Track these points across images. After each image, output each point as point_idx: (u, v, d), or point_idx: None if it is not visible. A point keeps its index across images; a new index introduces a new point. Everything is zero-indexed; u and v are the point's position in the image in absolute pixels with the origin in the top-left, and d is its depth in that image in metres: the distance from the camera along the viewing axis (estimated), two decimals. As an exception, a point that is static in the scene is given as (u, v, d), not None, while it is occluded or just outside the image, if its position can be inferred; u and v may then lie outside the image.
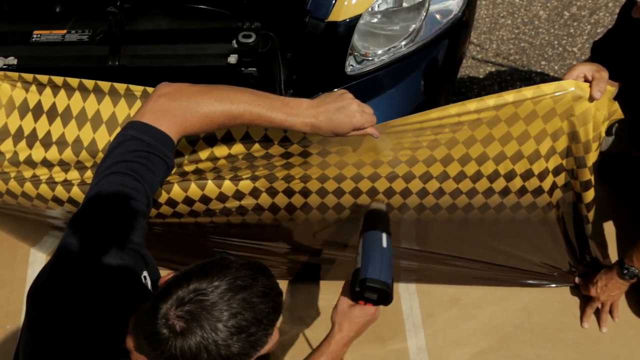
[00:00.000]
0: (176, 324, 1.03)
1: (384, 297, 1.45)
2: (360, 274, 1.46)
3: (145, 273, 1.27)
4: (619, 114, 1.51)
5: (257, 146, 1.53)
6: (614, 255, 2.24)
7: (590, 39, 2.91)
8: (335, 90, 1.42)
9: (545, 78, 2.84)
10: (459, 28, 1.94)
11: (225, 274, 1.08)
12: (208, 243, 2.01)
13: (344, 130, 1.30)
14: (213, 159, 1.56)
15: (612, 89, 1.46)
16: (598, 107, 1.45)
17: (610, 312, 2.17)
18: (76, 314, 1.15)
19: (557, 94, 1.43)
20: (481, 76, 2.89)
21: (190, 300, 1.04)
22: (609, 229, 2.34)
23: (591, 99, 1.43)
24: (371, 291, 1.43)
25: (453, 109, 1.45)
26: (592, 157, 1.54)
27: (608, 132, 2.05)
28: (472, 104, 1.45)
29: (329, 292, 2.33)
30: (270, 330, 1.12)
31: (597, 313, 2.19)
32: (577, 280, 2.20)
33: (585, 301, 2.19)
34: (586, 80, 1.44)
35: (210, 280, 1.06)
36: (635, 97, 1.74)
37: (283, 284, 2.37)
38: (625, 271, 1.97)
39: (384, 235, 1.55)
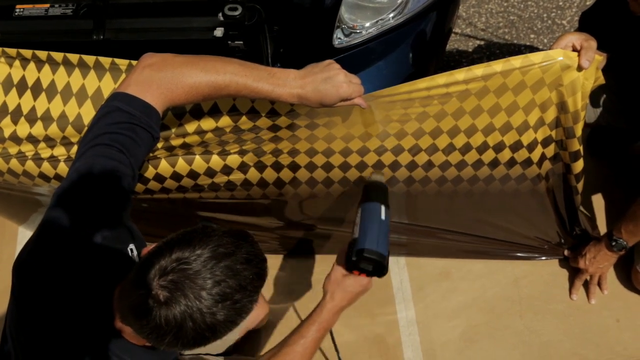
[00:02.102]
0: (160, 293, 1.03)
1: (379, 268, 1.45)
2: (357, 244, 1.45)
3: (131, 246, 1.27)
4: (601, 80, 1.51)
5: (244, 118, 1.52)
6: (602, 228, 2.25)
7: (580, 11, 2.89)
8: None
9: (534, 51, 2.79)
10: (447, 0, 1.93)
11: (208, 242, 1.08)
12: (197, 219, 2.01)
13: (331, 100, 1.30)
14: (200, 132, 1.54)
15: (600, 58, 1.45)
16: (586, 76, 1.45)
17: (599, 284, 2.18)
18: (61, 286, 1.15)
19: (545, 63, 1.43)
20: (470, 50, 2.88)
21: (173, 270, 1.04)
22: (598, 201, 2.34)
23: (579, 68, 1.42)
24: (367, 262, 1.43)
25: (441, 78, 1.44)
26: (580, 127, 1.54)
27: (596, 103, 2.05)
28: (460, 74, 1.44)
29: (322, 266, 2.33)
30: (255, 297, 1.12)
31: (586, 285, 2.20)
32: (566, 252, 2.21)
33: (574, 273, 2.21)
34: (574, 50, 1.43)
35: (192, 249, 1.06)
36: (623, 68, 1.74)
37: (277, 259, 2.38)
38: (614, 243, 1.98)
39: (383, 208, 1.54)
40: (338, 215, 2.00)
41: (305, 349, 1.42)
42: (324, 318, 1.45)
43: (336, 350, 1.81)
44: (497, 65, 1.43)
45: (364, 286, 1.47)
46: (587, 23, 1.87)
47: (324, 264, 2.34)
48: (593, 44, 1.42)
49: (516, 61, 1.43)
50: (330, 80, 1.28)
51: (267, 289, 2.31)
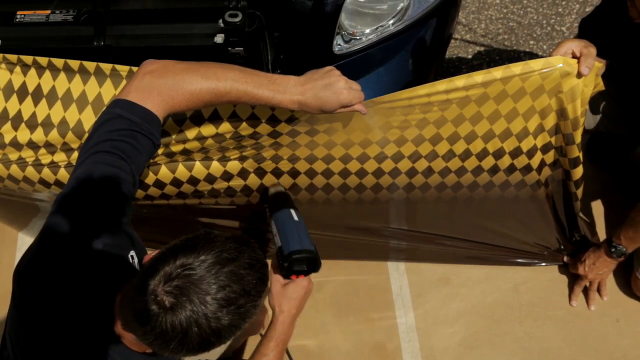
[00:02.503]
0: (165, 299, 1.04)
1: (313, 264, 1.50)
2: (283, 250, 1.50)
3: (132, 252, 1.27)
4: (600, 87, 1.51)
5: (244, 125, 1.52)
6: (602, 234, 2.26)
7: (579, 18, 2.90)
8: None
9: (533, 58, 2.80)
10: (447, 6, 1.93)
11: (211, 247, 1.08)
12: (198, 225, 2.01)
13: (332, 107, 1.30)
14: (200, 138, 1.55)
15: (599, 65, 1.46)
16: (586, 83, 1.45)
17: (598, 290, 2.18)
18: (62, 293, 1.15)
19: (545, 70, 1.43)
20: (469, 56, 2.88)
21: (178, 275, 1.05)
22: (597, 207, 2.35)
23: (579, 75, 1.42)
24: (299, 262, 1.48)
25: (441, 85, 1.45)
26: (580, 134, 1.54)
27: (595, 110, 2.05)
28: (460, 80, 1.44)
29: (322, 270, 2.32)
30: (258, 302, 1.13)
31: (586, 291, 2.20)
32: (565, 258, 2.21)
33: (574, 280, 2.20)
34: (574, 57, 1.44)
35: (196, 255, 1.07)
36: (622, 75, 1.74)
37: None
38: (613, 249, 1.98)
39: (292, 211, 1.61)
40: (337, 222, 2.00)
41: None
42: (279, 332, 1.47)
43: None
44: (497, 72, 1.44)
45: (306, 287, 1.50)
46: (586, 30, 1.87)
47: (323, 267, 2.33)
48: (593, 50, 1.43)
49: (516, 68, 1.44)
50: (330, 86, 1.29)
51: (266, 295, 2.30)
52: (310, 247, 1.51)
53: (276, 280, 1.51)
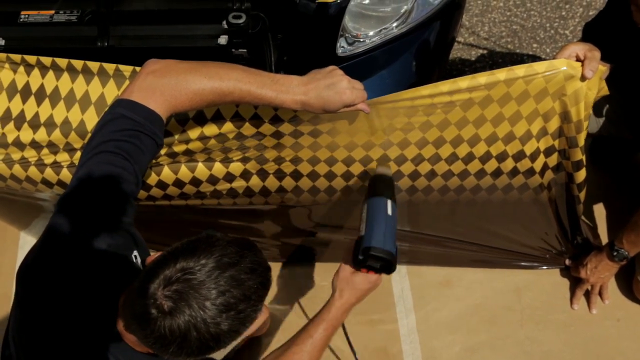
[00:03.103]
0: (164, 303, 1.03)
1: (388, 266, 1.42)
2: (364, 242, 1.42)
3: (135, 252, 1.27)
4: (605, 91, 1.51)
5: (247, 125, 1.52)
6: (604, 237, 2.26)
7: (582, 21, 2.91)
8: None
9: (536, 61, 2.82)
10: (451, 9, 1.93)
11: (212, 251, 1.08)
12: (200, 225, 2.00)
13: (335, 107, 1.30)
14: (203, 138, 1.55)
15: (603, 68, 1.46)
16: (589, 86, 1.45)
17: (600, 294, 2.18)
18: (65, 292, 1.15)
19: (548, 73, 1.43)
20: (473, 59, 2.88)
21: (178, 280, 1.04)
22: (600, 210, 2.35)
23: (583, 78, 1.42)
24: (375, 260, 1.40)
25: (445, 86, 1.44)
26: (583, 137, 1.54)
27: (599, 113, 2.05)
28: (464, 82, 1.44)
29: (323, 273, 2.33)
30: (259, 306, 1.12)
31: (587, 295, 2.20)
32: (567, 262, 2.21)
33: (576, 283, 2.20)
34: (578, 60, 1.43)
35: (197, 259, 1.06)
36: (626, 79, 1.74)
37: (278, 266, 2.37)
38: (615, 253, 1.98)
39: (389, 202, 1.50)
40: (340, 223, 2.00)
41: (314, 348, 1.39)
42: (332, 316, 1.41)
43: (351, 347, 1.76)
44: (501, 74, 1.44)
45: (373, 283, 1.43)
46: (590, 34, 1.87)
47: (324, 271, 2.33)
48: (597, 54, 1.43)
49: (520, 70, 1.44)
50: (333, 86, 1.28)
51: (268, 296, 2.30)
52: (392, 249, 1.42)
53: (346, 266, 1.45)
